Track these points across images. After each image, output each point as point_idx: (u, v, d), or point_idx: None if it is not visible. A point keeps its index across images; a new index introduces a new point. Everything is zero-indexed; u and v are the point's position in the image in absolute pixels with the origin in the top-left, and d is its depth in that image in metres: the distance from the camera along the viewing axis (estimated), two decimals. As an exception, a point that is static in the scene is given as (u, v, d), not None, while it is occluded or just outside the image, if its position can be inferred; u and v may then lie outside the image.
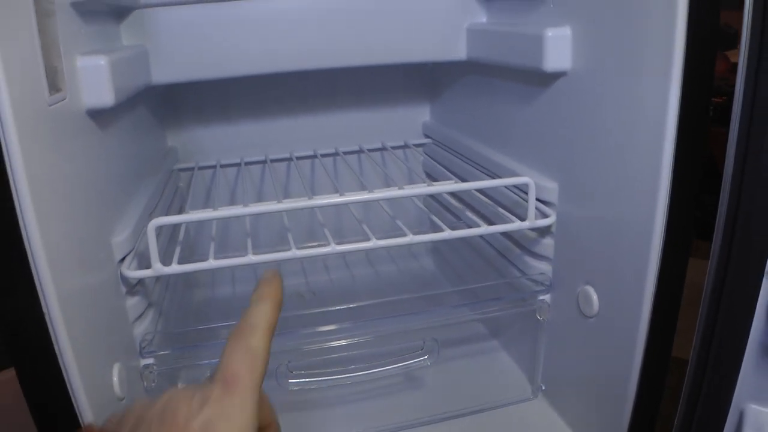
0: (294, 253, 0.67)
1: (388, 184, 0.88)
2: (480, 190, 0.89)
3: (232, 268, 0.94)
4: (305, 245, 0.72)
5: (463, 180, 0.99)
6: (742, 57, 0.49)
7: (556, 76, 0.72)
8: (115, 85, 0.63)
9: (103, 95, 0.62)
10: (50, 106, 0.52)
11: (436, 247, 1.24)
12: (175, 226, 0.81)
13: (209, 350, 0.71)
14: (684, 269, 0.62)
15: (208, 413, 0.36)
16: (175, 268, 0.66)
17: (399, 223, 0.74)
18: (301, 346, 0.74)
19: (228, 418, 0.37)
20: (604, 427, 0.72)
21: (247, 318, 0.41)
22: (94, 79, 0.61)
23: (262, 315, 0.41)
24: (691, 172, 0.58)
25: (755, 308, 0.53)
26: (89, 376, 0.52)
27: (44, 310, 0.48)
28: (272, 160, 1.10)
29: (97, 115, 0.64)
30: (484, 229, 0.73)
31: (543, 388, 0.85)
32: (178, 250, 0.71)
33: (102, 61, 0.62)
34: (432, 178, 1.13)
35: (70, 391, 0.51)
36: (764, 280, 0.52)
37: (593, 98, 0.67)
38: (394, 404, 0.86)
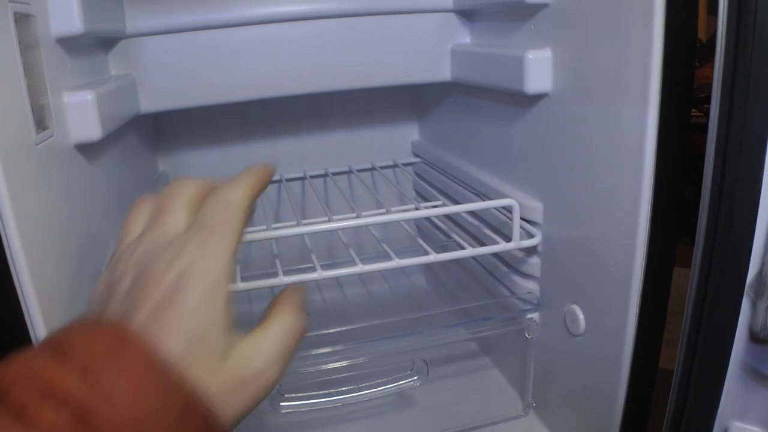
0: (281, 279, 0.68)
1: (378, 204, 0.89)
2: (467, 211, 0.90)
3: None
4: (296, 267, 0.73)
5: (452, 199, 1.00)
6: (716, 75, 0.50)
7: (538, 97, 0.73)
8: (103, 118, 0.64)
9: (91, 130, 0.63)
10: (37, 144, 0.53)
11: (427, 266, 1.24)
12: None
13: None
14: (668, 288, 0.62)
15: (181, 265, 0.36)
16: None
17: (385, 247, 0.75)
18: (295, 369, 0.75)
19: (205, 268, 0.37)
20: (595, 444, 0.73)
21: (230, 181, 0.41)
22: (82, 114, 0.62)
23: (244, 177, 0.41)
24: (672, 190, 0.58)
25: (736, 328, 0.54)
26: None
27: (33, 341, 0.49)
28: (262, 183, 1.10)
29: (86, 148, 0.65)
30: (469, 251, 0.73)
31: (534, 405, 0.86)
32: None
33: (89, 96, 0.62)
34: (422, 196, 1.14)
35: None
36: (744, 300, 0.53)
37: (574, 120, 0.68)
38: (387, 424, 0.87)
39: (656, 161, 0.57)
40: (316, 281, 0.70)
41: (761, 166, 0.50)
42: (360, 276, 1.22)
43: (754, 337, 0.54)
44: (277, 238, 0.71)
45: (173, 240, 0.38)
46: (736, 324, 0.54)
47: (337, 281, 1.21)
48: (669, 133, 0.57)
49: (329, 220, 0.76)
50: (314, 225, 0.72)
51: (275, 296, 0.43)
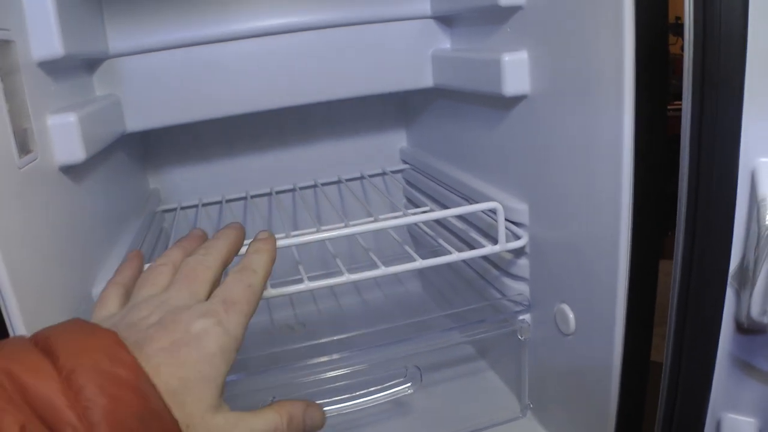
0: (269, 291, 0.68)
1: (369, 213, 0.90)
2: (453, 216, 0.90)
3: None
4: (287, 279, 0.73)
5: (441, 205, 1.00)
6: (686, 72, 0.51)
7: (517, 99, 0.74)
8: (86, 139, 0.64)
9: (75, 151, 0.63)
10: (21, 168, 0.53)
11: (421, 272, 1.25)
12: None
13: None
14: (654, 280, 0.63)
15: (208, 322, 0.40)
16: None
17: (372, 255, 0.75)
18: (290, 380, 0.75)
19: (225, 331, 0.41)
20: (592, 442, 0.73)
21: (249, 263, 0.47)
22: (65, 136, 0.63)
23: (262, 263, 0.47)
24: (652, 185, 0.59)
25: (721, 319, 0.55)
26: None
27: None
28: (253, 196, 1.11)
29: (71, 170, 0.65)
30: (455, 255, 0.74)
31: (531, 406, 0.86)
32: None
33: (72, 118, 0.63)
34: (412, 203, 1.15)
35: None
36: (728, 290, 0.54)
37: (553, 120, 0.68)
38: (385, 430, 0.87)
39: (635, 158, 0.58)
40: (311, 292, 0.70)
41: (736, 155, 0.50)
42: (354, 285, 1.22)
43: (740, 327, 0.55)
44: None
45: (201, 302, 0.43)
46: (722, 315, 0.54)
47: (332, 291, 1.22)
48: (646, 130, 0.57)
49: (317, 231, 0.76)
50: (302, 236, 0.73)
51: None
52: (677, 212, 0.54)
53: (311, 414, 0.47)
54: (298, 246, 0.73)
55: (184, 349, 0.38)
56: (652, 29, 0.55)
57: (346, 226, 0.76)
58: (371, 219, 0.87)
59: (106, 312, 0.45)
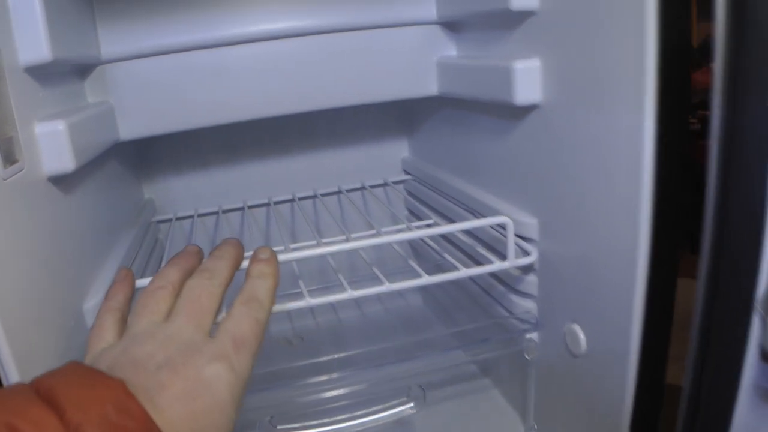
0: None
1: (370, 224, 0.87)
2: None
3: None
4: (287, 292, 0.70)
5: (445, 217, 0.97)
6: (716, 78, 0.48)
7: (528, 109, 0.71)
8: (76, 148, 0.61)
9: (64, 161, 0.60)
10: (5, 179, 0.50)
11: (423, 286, 1.22)
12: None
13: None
14: (672, 303, 0.60)
15: (221, 367, 0.40)
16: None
17: (376, 271, 0.72)
18: (289, 399, 0.73)
19: (236, 376, 0.41)
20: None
21: (254, 292, 0.47)
22: (53, 145, 0.60)
23: (268, 292, 0.47)
24: (673, 200, 0.56)
25: (746, 347, 0.52)
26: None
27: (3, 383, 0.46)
28: (250, 207, 1.08)
29: (60, 180, 0.63)
30: (462, 272, 0.71)
31: (536, 428, 0.83)
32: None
33: (60, 125, 0.60)
34: (414, 215, 1.12)
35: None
36: (754, 318, 0.51)
37: (567, 131, 0.65)
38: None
39: (655, 170, 0.55)
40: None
41: (766, 172, 0.47)
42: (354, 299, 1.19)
43: (765, 356, 0.52)
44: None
45: (207, 335, 0.43)
46: (746, 343, 0.52)
47: (331, 304, 1.19)
48: (667, 141, 0.54)
49: (318, 245, 0.73)
50: (302, 251, 0.70)
51: None
52: (703, 229, 0.51)
53: None
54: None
55: (199, 400, 0.38)
56: (676, 33, 0.52)
57: (347, 240, 0.73)
58: (373, 231, 0.84)
59: (104, 343, 0.43)
